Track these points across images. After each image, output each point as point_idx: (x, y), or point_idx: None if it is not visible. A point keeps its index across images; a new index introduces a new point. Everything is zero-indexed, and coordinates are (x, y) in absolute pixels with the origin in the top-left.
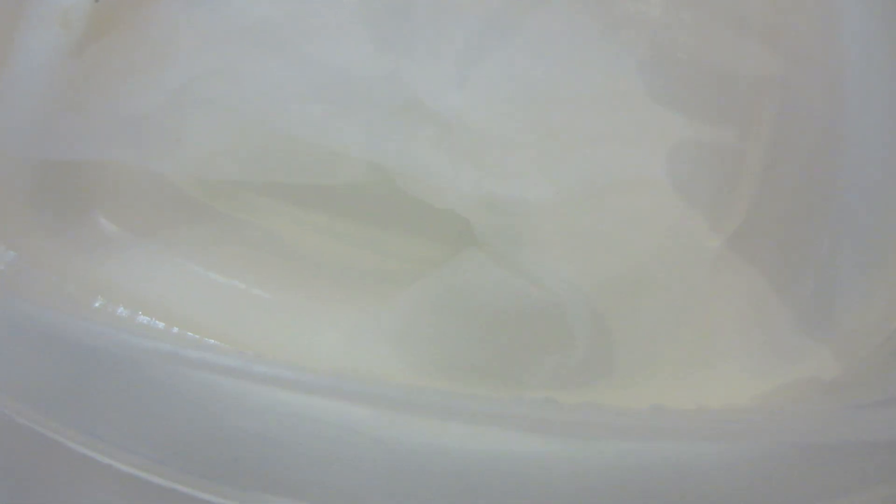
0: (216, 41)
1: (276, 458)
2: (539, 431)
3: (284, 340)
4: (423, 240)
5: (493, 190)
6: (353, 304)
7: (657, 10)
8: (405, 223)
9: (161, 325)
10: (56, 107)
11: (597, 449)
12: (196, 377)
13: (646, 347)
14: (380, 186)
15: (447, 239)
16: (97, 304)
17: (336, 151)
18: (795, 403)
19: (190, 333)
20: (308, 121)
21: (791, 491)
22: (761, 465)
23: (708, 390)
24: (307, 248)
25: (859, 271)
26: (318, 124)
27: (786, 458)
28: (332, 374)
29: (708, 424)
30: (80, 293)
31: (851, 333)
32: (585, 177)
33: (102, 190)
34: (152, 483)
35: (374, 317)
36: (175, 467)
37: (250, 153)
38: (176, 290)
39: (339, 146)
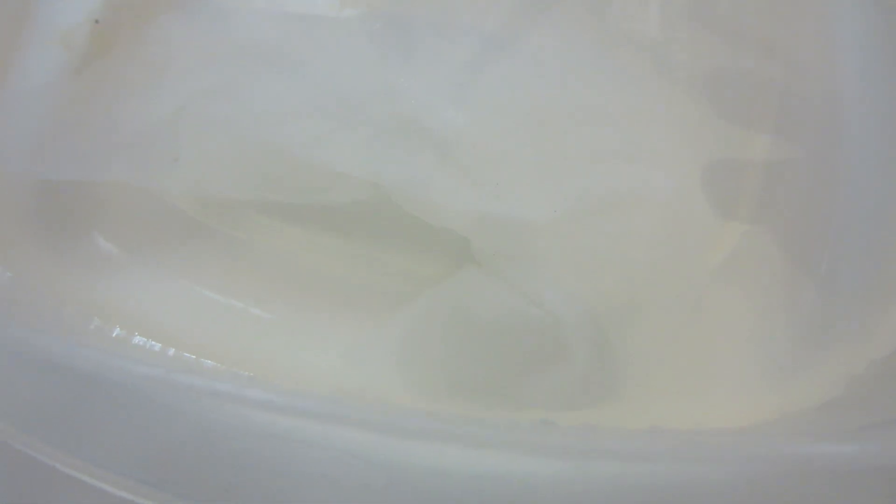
0: (214, 59)
1: (272, 483)
2: (537, 455)
3: (283, 360)
4: (421, 258)
5: (491, 208)
6: (351, 323)
7: (654, 28)
8: (403, 241)
9: (158, 345)
10: (55, 126)
11: (595, 471)
12: (191, 402)
13: (645, 365)
14: (378, 204)
15: (446, 257)
16: (93, 325)
17: (334, 169)
18: (796, 424)
19: (187, 354)
20: (306, 139)
21: None
22: (761, 488)
23: (707, 409)
24: (305, 267)
25: (860, 289)
26: (317, 142)
27: (785, 480)
28: (327, 397)
29: (706, 447)
30: (76, 313)
31: (853, 352)
32: (584, 194)
33: (100, 209)
34: None
35: (372, 336)
36: (171, 492)
37: (248, 171)
38: (173, 310)
39: (337, 164)
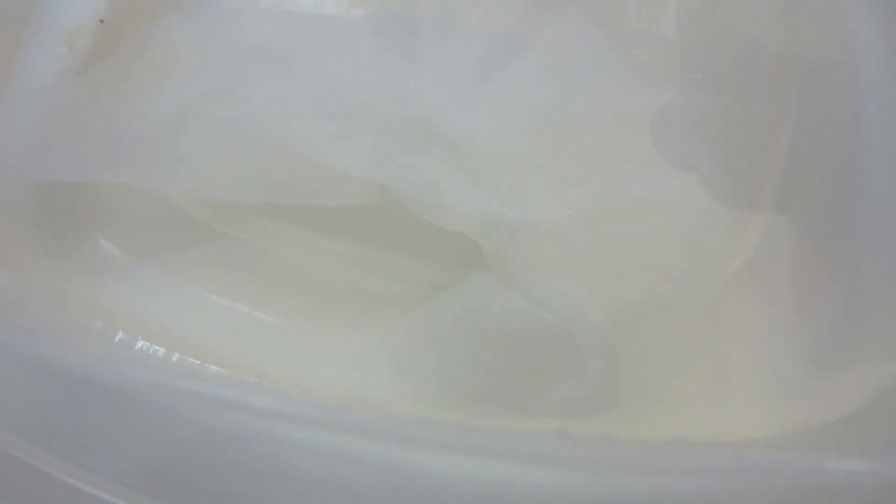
0: (219, 60)
1: (275, 490)
2: (551, 466)
3: (288, 365)
4: (430, 263)
5: (502, 211)
6: (358, 328)
7: (670, 30)
8: (412, 246)
9: (161, 349)
10: (58, 127)
11: (614, 485)
12: (194, 409)
13: (659, 374)
14: (386, 208)
15: (455, 262)
16: (96, 329)
17: (341, 172)
18: (820, 437)
19: (191, 359)
20: (313, 141)
21: None
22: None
23: (726, 420)
24: (311, 271)
25: (885, 294)
26: (324, 144)
27: (810, 497)
28: (333, 405)
29: (728, 460)
30: (79, 317)
31: (878, 362)
32: (596, 198)
33: (104, 211)
34: None
35: (379, 341)
36: (173, 501)
37: (254, 174)
38: (177, 314)
39: (344, 166)
